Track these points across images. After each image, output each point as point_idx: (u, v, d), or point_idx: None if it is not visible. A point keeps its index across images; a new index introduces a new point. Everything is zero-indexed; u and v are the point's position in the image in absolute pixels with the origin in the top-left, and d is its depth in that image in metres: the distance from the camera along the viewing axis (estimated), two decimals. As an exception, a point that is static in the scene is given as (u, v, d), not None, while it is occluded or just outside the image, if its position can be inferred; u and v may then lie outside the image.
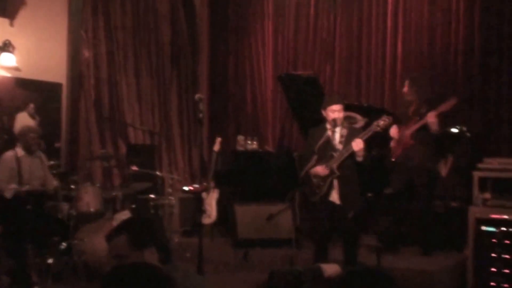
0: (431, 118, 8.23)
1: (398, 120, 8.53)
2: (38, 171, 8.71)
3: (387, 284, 2.81)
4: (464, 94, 9.85)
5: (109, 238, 3.73)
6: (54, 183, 8.79)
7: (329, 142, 7.45)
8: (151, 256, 3.64)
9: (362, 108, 9.65)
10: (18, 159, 8.45)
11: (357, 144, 7.20)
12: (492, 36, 9.91)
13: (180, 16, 12.90)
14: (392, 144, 8.71)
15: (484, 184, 8.04)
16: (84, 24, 11.04)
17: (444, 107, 8.26)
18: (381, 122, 7.29)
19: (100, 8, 11.33)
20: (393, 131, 8.54)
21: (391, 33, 11.02)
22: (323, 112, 7.56)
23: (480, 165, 8.12)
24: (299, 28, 12.37)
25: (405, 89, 8.71)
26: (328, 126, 7.51)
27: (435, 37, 10.52)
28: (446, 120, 8.55)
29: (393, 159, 8.70)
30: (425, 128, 8.37)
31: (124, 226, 3.78)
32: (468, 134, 9.13)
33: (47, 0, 10.58)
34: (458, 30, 10.27)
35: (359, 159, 7.38)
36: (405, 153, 8.58)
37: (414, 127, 8.46)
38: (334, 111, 7.42)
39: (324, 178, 7.43)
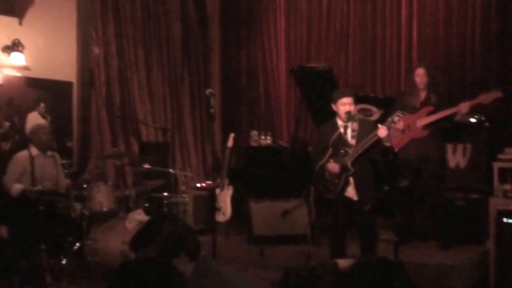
0: (465, 109, 8.04)
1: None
2: (51, 171, 8.69)
3: (398, 273, 2.75)
4: (481, 82, 9.70)
5: (135, 247, 3.61)
6: (66, 182, 8.72)
7: (341, 137, 7.32)
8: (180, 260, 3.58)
9: (378, 100, 9.51)
10: (31, 159, 8.44)
11: (382, 132, 7.04)
12: (509, 20, 9.70)
13: (190, 10, 12.84)
14: (393, 133, 8.49)
15: (504, 175, 7.88)
16: (94, 21, 11.01)
17: (485, 98, 8.04)
18: (396, 118, 7.13)
19: (109, 4, 11.29)
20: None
21: (405, 21, 10.85)
22: (334, 106, 7.43)
23: (500, 156, 7.96)
24: (312, 19, 12.22)
25: (419, 77, 8.51)
26: (339, 120, 7.39)
27: (451, 23, 10.33)
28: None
29: (397, 149, 8.51)
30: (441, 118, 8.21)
31: (149, 235, 3.64)
32: (486, 124, 8.94)
33: (56, -2, 10.51)
34: (475, 15, 10.07)
35: (388, 144, 7.29)
36: (413, 144, 8.41)
37: (432, 117, 8.27)
38: (345, 104, 7.29)
39: (338, 175, 7.31)
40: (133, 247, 3.64)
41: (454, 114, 8.14)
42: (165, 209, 9.51)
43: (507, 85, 9.56)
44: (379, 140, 7.14)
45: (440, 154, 8.59)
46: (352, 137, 7.32)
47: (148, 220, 4.02)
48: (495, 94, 8.02)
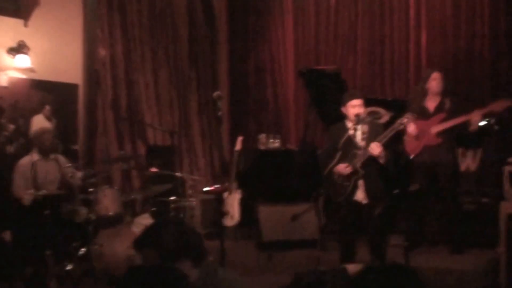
0: (477, 117, 7.95)
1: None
2: (54, 175, 8.61)
3: (410, 278, 2.72)
4: (490, 83, 9.63)
5: (138, 246, 3.59)
6: (78, 175, 8.73)
7: (351, 139, 7.26)
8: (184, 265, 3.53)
9: (387, 102, 9.43)
10: (33, 165, 8.33)
11: (374, 149, 7.01)
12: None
13: (197, 11, 12.79)
14: (407, 139, 8.41)
15: (515, 179, 7.78)
16: (100, 22, 10.95)
17: (496, 107, 7.94)
18: (405, 119, 7.12)
19: (115, 5, 11.24)
20: (411, 128, 8.21)
21: (414, 23, 10.80)
22: (343, 109, 7.37)
23: (510, 159, 7.85)
24: (320, 21, 12.16)
25: (435, 81, 8.39)
26: (349, 123, 7.33)
27: (460, 25, 10.28)
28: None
29: (412, 156, 8.42)
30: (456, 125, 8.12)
31: (153, 236, 3.61)
32: (496, 127, 8.84)
33: (61, -1, 10.45)
34: (484, 16, 10.00)
35: (381, 161, 7.16)
36: (427, 150, 8.31)
37: (446, 124, 8.15)
38: (355, 106, 7.23)
39: (348, 178, 7.24)
40: (137, 246, 3.63)
41: (467, 123, 8.03)
42: (172, 213, 9.43)
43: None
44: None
45: (453, 159, 8.49)
46: (362, 139, 7.24)
47: (154, 222, 3.97)
48: (506, 103, 7.93)
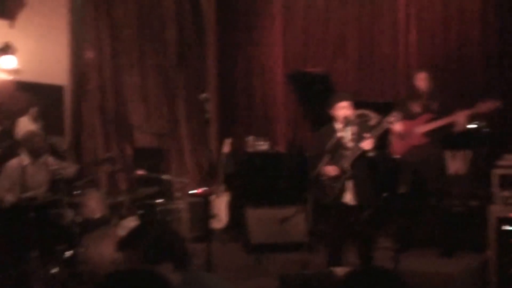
0: (462, 118, 7.93)
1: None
2: (43, 177, 8.51)
3: (394, 281, 2.71)
4: (481, 85, 9.62)
5: (122, 247, 3.59)
6: (72, 169, 8.71)
7: (339, 141, 7.21)
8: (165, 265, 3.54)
9: (376, 105, 9.41)
10: (22, 168, 8.25)
11: (367, 144, 7.00)
12: (508, 24, 9.62)
13: (186, 12, 12.77)
14: (393, 140, 8.39)
15: (504, 181, 7.74)
16: (87, 24, 10.94)
17: (482, 108, 7.95)
18: (392, 118, 7.14)
19: (102, 6, 11.19)
20: (398, 127, 8.20)
21: (403, 25, 10.83)
22: (331, 111, 7.32)
23: (500, 162, 7.83)
24: (309, 23, 12.17)
25: (422, 81, 8.38)
26: (337, 125, 7.29)
27: (450, 27, 10.30)
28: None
29: (397, 156, 8.41)
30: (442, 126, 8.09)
31: (137, 238, 3.62)
32: (486, 130, 8.83)
33: (47, 0, 10.38)
34: (473, 19, 10.02)
35: (371, 154, 7.14)
36: (413, 151, 8.28)
37: (431, 125, 8.16)
38: (343, 108, 7.20)
39: (336, 179, 7.19)
40: (120, 247, 3.63)
41: (452, 124, 8.02)
42: (159, 216, 9.38)
43: (507, 89, 9.48)
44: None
45: (440, 160, 8.48)
46: (351, 140, 7.21)
47: (139, 224, 3.96)
48: (493, 104, 7.93)
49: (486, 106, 7.94)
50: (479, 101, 8.11)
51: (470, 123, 8.46)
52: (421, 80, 8.38)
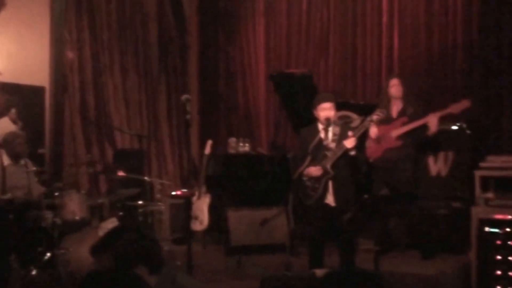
0: (434, 120, 7.93)
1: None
2: (23, 180, 8.40)
3: (372, 282, 2.75)
4: (464, 89, 9.63)
5: (95, 252, 3.53)
6: (40, 189, 8.52)
7: (321, 141, 7.22)
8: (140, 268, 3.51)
9: (358, 106, 9.42)
10: (3, 169, 8.16)
11: (350, 142, 7.02)
12: (491, 28, 9.62)
13: (167, 14, 12.74)
14: (369, 144, 8.40)
15: (486, 183, 7.76)
16: (68, 25, 10.85)
17: (454, 109, 7.97)
18: (375, 116, 7.24)
19: (84, 7, 11.14)
20: (373, 131, 8.20)
21: (386, 28, 10.79)
22: (314, 111, 7.34)
23: (482, 164, 7.84)
24: (292, 24, 12.13)
25: (394, 87, 8.39)
26: (320, 125, 7.29)
27: (433, 31, 10.29)
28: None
29: (371, 160, 8.43)
30: (415, 129, 8.10)
31: (110, 242, 3.56)
32: (468, 131, 8.84)
33: (28, 0, 10.28)
34: (456, 22, 10.01)
35: (352, 153, 7.15)
36: (388, 154, 8.29)
37: (404, 128, 8.17)
38: (325, 109, 7.23)
39: (318, 180, 7.20)
40: (92, 252, 3.58)
41: (426, 128, 8.02)
42: (132, 218, 9.34)
43: (490, 93, 9.49)
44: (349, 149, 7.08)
45: (412, 161, 8.43)
46: (333, 141, 7.22)
47: (112, 228, 3.91)
48: (464, 104, 7.95)
49: (458, 106, 7.96)
50: (451, 103, 8.14)
51: (444, 124, 8.46)
52: (393, 86, 8.40)
